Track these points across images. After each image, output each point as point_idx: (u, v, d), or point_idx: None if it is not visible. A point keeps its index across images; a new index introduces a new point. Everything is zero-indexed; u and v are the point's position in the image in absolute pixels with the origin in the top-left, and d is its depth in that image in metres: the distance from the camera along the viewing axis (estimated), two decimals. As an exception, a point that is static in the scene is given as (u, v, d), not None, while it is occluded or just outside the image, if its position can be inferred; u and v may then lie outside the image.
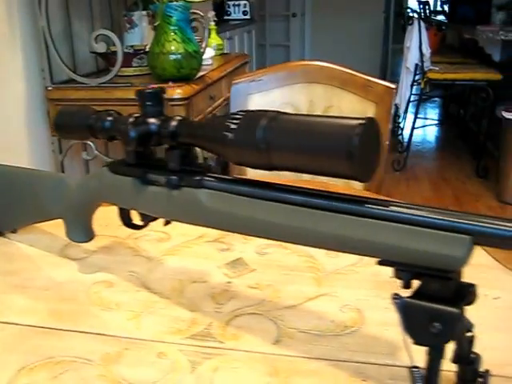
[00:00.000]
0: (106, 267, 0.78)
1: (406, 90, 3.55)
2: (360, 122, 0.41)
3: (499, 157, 3.09)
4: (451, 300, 0.42)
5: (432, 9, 6.10)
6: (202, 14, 1.74)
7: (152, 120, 0.57)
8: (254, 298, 0.69)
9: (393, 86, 1.25)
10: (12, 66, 1.67)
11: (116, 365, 0.57)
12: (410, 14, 3.53)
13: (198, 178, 0.55)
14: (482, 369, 0.51)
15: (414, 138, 4.52)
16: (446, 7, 4.81)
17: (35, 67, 1.74)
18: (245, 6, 4.75)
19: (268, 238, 0.51)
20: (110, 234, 0.87)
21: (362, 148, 0.41)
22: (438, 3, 6.60)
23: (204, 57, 1.97)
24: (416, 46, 3.36)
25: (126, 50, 1.86)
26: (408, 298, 0.43)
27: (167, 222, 0.62)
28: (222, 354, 0.59)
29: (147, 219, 0.64)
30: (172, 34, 1.62)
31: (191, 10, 1.69)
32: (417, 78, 3.67)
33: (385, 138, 1.26)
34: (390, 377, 0.55)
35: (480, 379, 0.51)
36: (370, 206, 0.44)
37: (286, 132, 0.45)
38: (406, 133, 4.46)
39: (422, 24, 3.36)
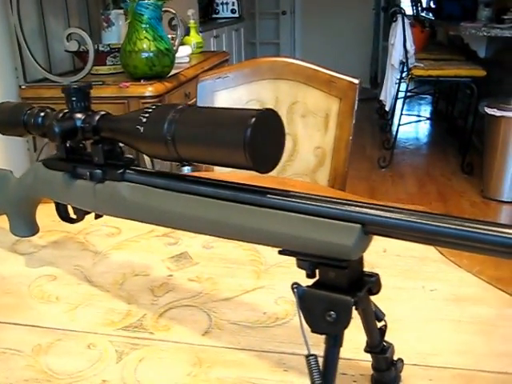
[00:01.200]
0: (53, 262, 0.79)
1: (391, 86, 3.56)
2: (254, 113, 0.42)
3: (483, 153, 3.10)
4: (346, 289, 0.43)
5: (425, 6, 6.11)
6: (173, 11, 1.74)
7: (77, 115, 0.58)
8: (192, 291, 0.70)
9: (356, 81, 1.26)
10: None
11: (45, 356, 0.58)
12: (395, 11, 3.53)
13: (120, 171, 0.56)
14: (395, 357, 0.53)
15: (402, 135, 4.55)
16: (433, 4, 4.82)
17: (9, 66, 1.75)
18: (233, 4, 4.76)
19: (180, 229, 0.52)
20: (62, 230, 0.88)
21: (256, 139, 0.42)
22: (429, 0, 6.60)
23: (180, 55, 1.98)
24: (400, 42, 3.37)
25: (101, 49, 1.87)
26: (307, 287, 0.44)
27: (97, 216, 0.63)
28: (150, 345, 0.60)
29: (80, 213, 0.65)
30: (143, 32, 1.63)
31: (164, 8, 1.70)
32: (404, 75, 3.68)
33: (348, 134, 1.27)
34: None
35: (393, 368, 0.52)
36: (270, 196, 0.45)
37: (189, 124, 0.46)
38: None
39: (406, 21, 3.37)
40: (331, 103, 1.29)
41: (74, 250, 0.83)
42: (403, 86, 3.81)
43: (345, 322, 0.42)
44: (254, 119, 0.42)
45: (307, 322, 0.44)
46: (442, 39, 5.29)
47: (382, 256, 0.79)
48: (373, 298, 0.59)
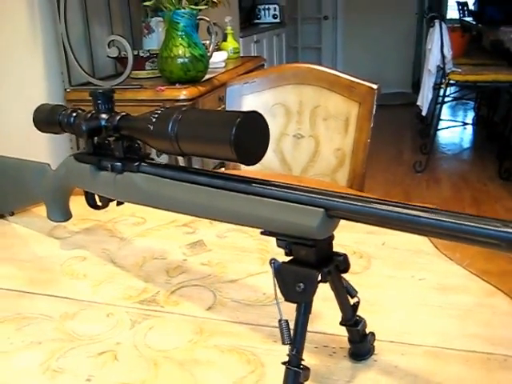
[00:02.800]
0: (84, 245, 0.89)
1: (428, 91, 3.57)
2: (240, 114, 0.51)
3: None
4: (314, 265, 0.50)
5: (472, 10, 6.06)
6: (208, 19, 1.84)
7: (102, 116, 0.67)
8: (202, 273, 0.79)
9: (374, 86, 1.33)
10: (34, 69, 1.82)
11: (70, 321, 0.68)
12: (433, 16, 3.54)
13: (136, 164, 0.65)
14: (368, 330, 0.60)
15: (442, 141, 4.54)
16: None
17: (55, 70, 1.88)
18: (275, 9, 4.85)
19: (183, 214, 0.61)
20: (94, 219, 0.98)
21: (241, 136, 0.50)
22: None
23: (216, 60, 2.08)
24: (437, 47, 3.38)
25: (141, 54, 1.98)
26: (282, 262, 0.52)
27: (119, 203, 0.73)
28: (160, 316, 0.69)
29: (105, 200, 0.74)
30: (179, 39, 1.74)
31: (199, 17, 1.80)
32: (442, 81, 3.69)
33: (367, 136, 1.33)
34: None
35: (366, 340, 0.59)
36: (255, 185, 0.53)
37: (188, 124, 0.55)
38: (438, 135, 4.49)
39: (444, 26, 3.38)
40: (351, 107, 1.36)
41: (103, 236, 0.92)
42: (445, 91, 3.82)
43: (311, 291, 0.50)
44: (238, 119, 0.50)
45: (281, 292, 0.51)
46: (486, 44, 5.24)
47: (381, 248, 0.86)
48: (365, 284, 0.66)
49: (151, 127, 0.58)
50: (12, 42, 1.74)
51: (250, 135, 0.52)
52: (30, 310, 0.71)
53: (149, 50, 2.04)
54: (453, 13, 6.25)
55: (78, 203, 0.85)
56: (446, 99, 3.85)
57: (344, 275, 0.71)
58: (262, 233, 0.53)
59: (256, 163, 0.53)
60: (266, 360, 0.60)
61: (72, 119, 0.72)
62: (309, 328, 0.66)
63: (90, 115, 0.69)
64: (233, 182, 0.55)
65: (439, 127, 3.79)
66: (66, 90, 1.86)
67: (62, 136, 1.93)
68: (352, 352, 0.60)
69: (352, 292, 0.57)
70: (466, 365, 0.59)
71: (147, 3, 1.68)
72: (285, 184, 0.52)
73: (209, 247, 0.87)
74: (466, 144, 4.62)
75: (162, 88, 1.73)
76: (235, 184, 0.54)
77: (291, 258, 0.52)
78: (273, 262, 0.52)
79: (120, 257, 0.85)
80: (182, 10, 1.71)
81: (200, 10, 1.75)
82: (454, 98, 4.42)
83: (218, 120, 0.53)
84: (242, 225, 0.55)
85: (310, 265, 0.50)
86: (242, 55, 2.91)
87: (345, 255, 0.53)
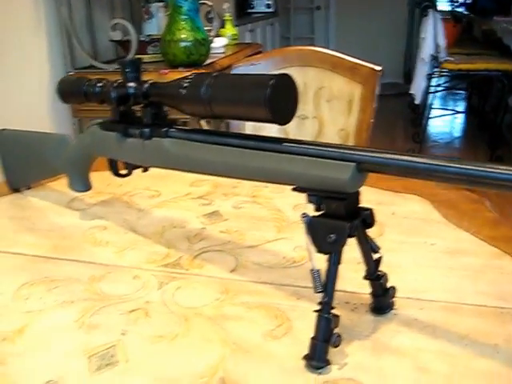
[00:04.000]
0: (103, 216, 0.91)
1: (421, 80, 3.61)
2: (273, 76, 0.53)
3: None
4: (344, 217, 0.53)
5: (461, 1, 6.10)
6: (210, 3, 1.86)
7: (130, 84, 0.70)
8: (222, 240, 0.82)
9: (377, 68, 1.36)
10: (37, 51, 1.83)
11: (98, 283, 0.71)
12: (426, 5, 3.58)
13: (164, 129, 0.68)
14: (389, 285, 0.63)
15: (434, 130, 4.60)
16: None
17: (58, 53, 1.90)
18: (268, -1, 4.86)
19: (214, 175, 0.63)
20: (110, 191, 1.00)
21: (275, 96, 0.53)
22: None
23: (216, 45, 2.10)
24: (431, 37, 3.42)
25: (142, 39, 2.00)
26: (313, 216, 0.55)
27: (145, 169, 0.75)
28: (186, 278, 0.72)
29: (130, 168, 0.77)
30: (182, 22, 1.75)
31: (201, 1, 1.82)
32: (435, 70, 3.73)
33: (370, 117, 1.37)
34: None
35: (387, 293, 0.62)
36: (285, 144, 0.56)
37: (221, 87, 0.57)
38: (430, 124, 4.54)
39: (438, 15, 3.42)
40: (354, 88, 1.39)
41: (121, 207, 0.95)
42: (437, 81, 3.86)
43: (341, 241, 0.53)
44: (272, 81, 0.53)
45: (314, 244, 0.54)
46: (477, 34, 5.29)
47: (391, 217, 0.89)
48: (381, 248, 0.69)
49: (183, 91, 0.61)
50: (16, 26, 1.75)
51: (282, 96, 0.55)
52: (57, 273, 0.73)
53: (149, 35, 2.06)
54: (442, 6, 6.30)
55: (93, 178, 0.88)
56: (439, 88, 3.90)
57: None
58: (293, 189, 0.56)
59: (288, 122, 0.56)
60: (292, 315, 0.63)
61: (98, 89, 0.74)
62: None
63: (117, 83, 0.71)
64: (264, 142, 0.58)
65: (431, 116, 3.82)
66: (68, 72, 1.87)
67: (64, 119, 1.94)
68: (374, 306, 0.63)
69: (375, 248, 0.60)
70: (480, 317, 0.62)
71: (151, -13, 1.70)
72: (315, 142, 0.55)
73: (225, 217, 0.90)
74: (458, 133, 4.67)
75: (166, 71, 1.75)
76: (267, 144, 0.57)
77: (321, 212, 0.55)
78: (304, 216, 0.55)
79: (140, 226, 0.87)
80: (185, -6, 1.73)
81: (202, -7, 1.77)
82: (447, 88, 4.47)
83: (251, 82, 0.55)
84: (275, 182, 0.58)
85: (340, 217, 0.53)
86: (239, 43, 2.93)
87: (371, 210, 0.56)
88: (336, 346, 0.54)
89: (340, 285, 0.68)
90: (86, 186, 0.87)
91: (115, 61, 2.02)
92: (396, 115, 5.02)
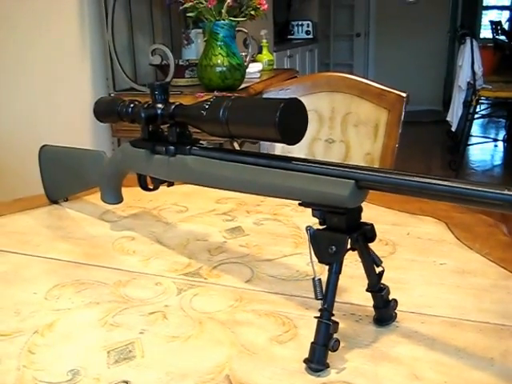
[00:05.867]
0: (132, 228, 0.98)
1: (458, 107, 3.61)
2: (283, 100, 0.59)
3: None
4: (345, 230, 0.58)
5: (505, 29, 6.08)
6: (246, 30, 1.94)
7: (158, 105, 0.76)
8: (241, 253, 0.87)
9: (403, 94, 1.40)
10: (81, 74, 1.94)
11: (123, 288, 0.76)
12: (463, 33, 3.60)
13: (188, 147, 0.74)
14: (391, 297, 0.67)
15: (472, 158, 4.56)
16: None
17: (101, 76, 2.01)
18: (308, 26, 4.96)
19: (230, 190, 0.69)
20: (140, 206, 1.07)
21: (284, 119, 0.58)
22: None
23: (252, 70, 2.18)
24: (468, 64, 3.43)
25: (181, 63, 2.09)
26: (317, 229, 0.59)
27: (170, 184, 0.81)
28: (204, 286, 0.77)
29: (156, 182, 0.83)
30: (218, 48, 1.84)
31: (238, 28, 1.90)
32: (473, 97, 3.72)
33: (395, 142, 1.40)
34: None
35: (389, 306, 0.66)
36: (294, 162, 0.61)
37: (237, 109, 0.63)
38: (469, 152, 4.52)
39: (475, 43, 3.44)
40: (381, 114, 1.43)
41: (149, 221, 1.01)
42: (476, 108, 3.85)
43: (341, 253, 0.57)
44: (282, 105, 0.58)
45: (316, 255, 0.59)
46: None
47: (405, 237, 0.92)
48: (390, 266, 0.73)
49: (204, 113, 0.66)
50: (63, 50, 1.86)
51: (292, 119, 0.60)
52: (87, 277, 0.80)
53: (188, 60, 2.15)
54: (486, 33, 6.28)
55: (124, 193, 0.94)
56: (477, 116, 3.88)
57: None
58: (300, 204, 0.61)
59: (297, 143, 0.61)
60: (299, 323, 0.67)
61: (130, 109, 0.81)
62: (338, 299, 0.73)
63: (147, 105, 0.77)
64: (275, 160, 0.63)
65: (469, 143, 3.81)
66: (110, 94, 1.98)
67: (105, 138, 2.04)
68: (376, 318, 0.67)
69: (377, 261, 0.64)
70: (480, 333, 0.65)
71: (190, 14, 1.79)
72: (320, 160, 0.60)
73: (246, 232, 0.95)
74: (497, 161, 4.63)
75: (201, 94, 1.82)
76: (277, 162, 0.62)
77: (324, 226, 0.60)
78: (308, 228, 0.59)
79: (166, 238, 0.93)
80: (222, 22, 1.81)
81: (238, 21, 1.85)
82: (484, 115, 4.44)
83: (264, 105, 0.61)
84: (283, 197, 0.63)
85: (340, 230, 0.58)
86: (279, 68, 3.01)
87: (371, 225, 0.61)
88: (334, 350, 0.58)
89: (347, 297, 0.73)
90: (118, 199, 0.93)
91: (155, 84, 2.11)
92: (434, 143, 5.01)
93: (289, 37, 4.84)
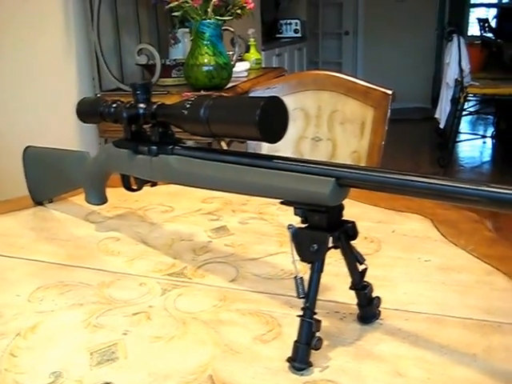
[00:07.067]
0: (117, 228, 0.97)
1: (445, 104, 3.63)
2: (263, 99, 0.58)
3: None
4: (326, 228, 0.58)
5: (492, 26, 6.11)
6: (232, 29, 1.94)
7: (140, 105, 0.76)
8: (226, 252, 0.87)
9: (389, 91, 1.40)
10: (67, 74, 1.93)
11: (107, 288, 0.76)
12: (450, 30, 3.62)
13: (170, 147, 0.73)
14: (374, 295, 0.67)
15: (460, 154, 4.59)
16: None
17: (87, 76, 2.00)
18: (296, 24, 4.97)
19: (213, 189, 0.68)
20: (126, 206, 1.07)
21: (264, 117, 0.58)
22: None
23: (239, 69, 2.17)
24: (455, 61, 3.45)
25: (168, 63, 2.08)
26: (298, 228, 0.59)
27: (153, 184, 0.81)
28: (188, 286, 0.77)
29: (140, 183, 0.83)
30: (205, 48, 1.83)
31: (224, 27, 1.90)
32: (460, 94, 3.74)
33: (381, 139, 1.41)
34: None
35: (373, 303, 0.66)
36: (275, 161, 0.61)
37: (219, 109, 0.63)
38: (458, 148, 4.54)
39: (462, 40, 3.45)
40: (367, 112, 1.43)
41: (135, 221, 1.01)
42: (464, 105, 3.87)
43: (323, 251, 0.57)
44: (262, 103, 0.58)
45: (298, 253, 0.59)
46: (507, 59, 5.28)
47: (390, 235, 0.93)
48: (375, 264, 0.72)
49: (185, 112, 0.66)
50: (49, 50, 1.85)
51: (272, 117, 0.60)
52: (71, 279, 0.79)
53: (175, 59, 2.14)
54: (474, 30, 6.32)
55: (110, 194, 0.94)
56: (465, 113, 3.90)
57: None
58: (281, 202, 0.61)
59: (277, 141, 0.61)
60: (283, 322, 0.67)
61: (112, 109, 0.80)
62: (322, 297, 0.73)
63: (129, 104, 0.77)
64: (257, 159, 0.63)
65: (457, 140, 3.83)
66: (96, 94, 1.97)
67: (91, 139, 2.03)
68: (360, 315, 0.67)
69: (360, 259, 0.64)
70: (464, 329, 0.65)
71: (175, 14, 1.78)
72: (301, 159, 0.60)
73: (232, 231, 0.95)
74: (485, 157, 4.65)
75: (188, 94, 1.82)
76: (259, 161, 0.62)
77: (306, 224, 0.60)
78: (290, 227, 0.59)
79: (151, 238, 0.93)
80: (208, 21, 1.80)
81: (225, 20, 1.85)
82: (471, 112, 4.47)
83: (244, 104, 0.61)
84: (265, 196, 0.62)
85: (322, 229, 0.58)
86: (267, 67, 3.01)
87: (353, 222, 0.61)
88: (317, 349, 0.58)
89: (331, 295, 0.73)
90: (101, 200, 0.93)
91: (141, 84, 2.11)
92: (423, 140, 5.03)
93: (277, 35, 4.84)
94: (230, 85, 2.01)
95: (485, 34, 5.15)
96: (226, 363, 0.59)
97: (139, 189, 0.84)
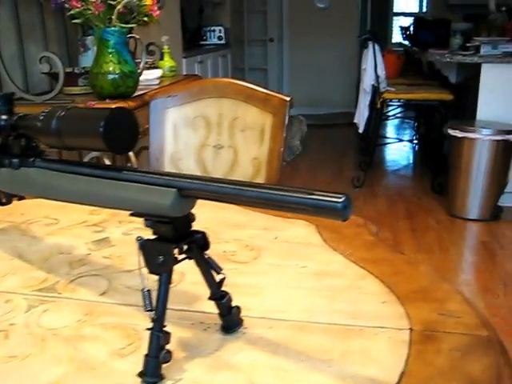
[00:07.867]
0: (-5, 244, 0.94)
1: (363, 110, 3.73)
2: (108, 109, 0.58)
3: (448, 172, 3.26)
4: (172, 240, 0.58)
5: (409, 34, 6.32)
6: (138, 36, 1.92)
7: (2, 117, 0.73)
8: (102, 264, 0.85)
9: (287, 98, 1.42)
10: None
11: (-32, 308, 0.73)
12: (366, 37, 3.73)
13: (31, 160, 0.71)
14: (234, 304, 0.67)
15: (382, 157, 4.73)
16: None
17: (-13, 85, 1.92)
18: (220, 31, 4.98)
19: (69, 202, 0.67)
20: (10, 220, 1.03)
21: (110, 129, 0.57)
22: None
23: (150, 77, 2.15)
24: (371, 67, 3.55)
25: (76, 71, 2.04)
26: (146, 239, 0.59)
27: (20, 198, 0.79)
28: (56, 301, 0.75)
29: (7, 196, 0.80)
30: (109, 56, 1.80)
31: (130, 35, 1.88)
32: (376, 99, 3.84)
33: (280, 145, 1.42)
34: (180, 317, 0.70)
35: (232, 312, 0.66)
36: (125, 172, 0.61)
37: (68, 120, 0.62)
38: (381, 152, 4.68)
39: (377, 47, 3.56)
40: (266, 118, 1.45)
41: (16, 235, 0.97)
42: (384, 110, 3.99)
43: (169, 263, 0.57)
44: (107, 114, 0.57)
45: (146, 265, 0.58)
46: (424, 66, 5.49)
47: (273, 242, 0.94)
48: (251, 272, 0.72)
49: (39, 124, 0.65)
50: None
51: (119, 128, 0.59)
52: None
53: (84, 67, 2.10)
54: (399, 37, 6.52)
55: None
56: (383, 117, 4.02)
57: (232, 264, 0.80)
58: (131, 214, 0.60)
59: (127, 152, 0.60)
60: (145, 335, 0.65)
61: (-26, 121, 0.77)
62: (189, 308, 0.73)
63: (-10, 117, 0.74)
64: (108, 171, 0.62)
65: (378, 144, 3.94)
66: (-2, 104, 1.90)
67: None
68: (222, 325, 0.67)
69: (217, 269, 0.64)
70: (326, 335, 0.67)
71: (76, 21, 1.75)
72: (149, 170, 0.60)
73: (113, 243, 0.93)
74: (405, 161, 4.81)
75: (92, 103, 1.79)
76: (110, 173, 0.61)
77: (155, 235, 0.59)
78: (139, 239, 0.59)
79: (28, 253, 0.90)
80: (112, 28, 1.78)
81: (130, 28, 1.82)
82: (389, 117, 4.62)
83: (90, 115, 0.60)
84: (117, 208, 0.62)
85: (168, 240, 0.57)
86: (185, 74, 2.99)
87: (203, 233, 0.61)
88: (166, 362, 0.57)
89: (199, 306, 0.73)
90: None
91: (48, 93, 2.05)
92: (347, 144, 5.15)
93: (201, 42, 4.84)
94: (139, 93, 1.99)
95: (402, 42, 5.33)
96: (79, 380, 0.58)
97: (8, 202, 0.82)
